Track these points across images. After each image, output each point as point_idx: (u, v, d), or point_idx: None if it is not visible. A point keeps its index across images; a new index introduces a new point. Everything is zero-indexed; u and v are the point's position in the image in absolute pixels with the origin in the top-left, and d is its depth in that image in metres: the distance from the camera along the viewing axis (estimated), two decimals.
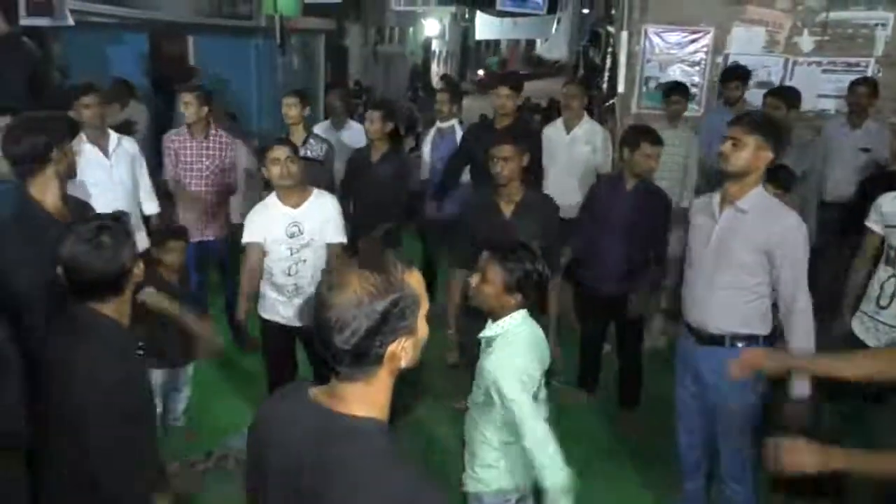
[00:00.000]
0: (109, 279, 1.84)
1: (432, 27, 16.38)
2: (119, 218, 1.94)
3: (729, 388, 2.65)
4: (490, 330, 2.34)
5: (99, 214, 1.90)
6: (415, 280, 1.27)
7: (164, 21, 7.24)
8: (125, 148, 3.95)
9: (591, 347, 4.12)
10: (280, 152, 3.16)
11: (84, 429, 1.75)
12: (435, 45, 17.48)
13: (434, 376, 4.25)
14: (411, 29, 15.98)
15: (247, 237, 3.32)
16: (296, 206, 3.26)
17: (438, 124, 5.21)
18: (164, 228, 3.50)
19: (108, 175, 3.81)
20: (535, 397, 2.26)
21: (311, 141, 4.53)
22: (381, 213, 4.32)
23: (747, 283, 2.63)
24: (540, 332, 2.40)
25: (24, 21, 4.79)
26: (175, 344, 3.37)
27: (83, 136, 3.79)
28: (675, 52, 6.03)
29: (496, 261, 2.29)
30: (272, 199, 3.30)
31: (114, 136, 3.92)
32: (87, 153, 3.72)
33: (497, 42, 18.99)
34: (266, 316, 3.44)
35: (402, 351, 1.24)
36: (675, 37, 6.01)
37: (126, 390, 1.81)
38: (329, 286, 1.22)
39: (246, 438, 1.42)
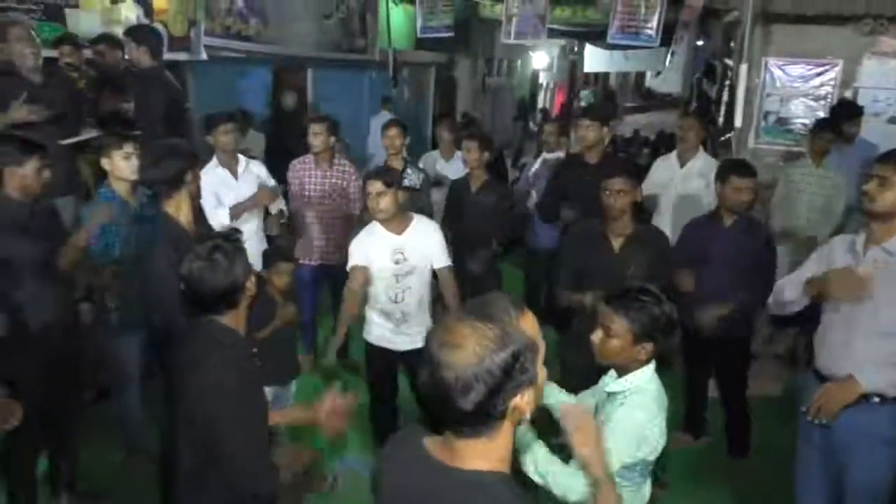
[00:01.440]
0: (224, 293, 1.97)
1: (540, 60, 16.43)
2: (232, 236, 2.07)
3: (867, 450, 2.43)
4: (617, 384, 2.10)
5: (214, 234, 2.08)
6: (529, 323, 1.21)
7: (287, 55, 7.68)
8: (252, 171, 4.22)
9: (697, 391, 3.94)
10: (373, 187, 3.19)
11: (216, 431, 1.88)
12: (542, 78, 17.53)
13: None
14: (519, 61, 16.11)
15: (353, 261, 3.38)
16: (399, 232, 3.31)
17: (545, 155, 5.22)
18: (274, 250, 3.65)
19: (236, 195, 4.07)
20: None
21: (409, 170, 4.64)
22: (480, 243, 4.34)
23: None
24: (662, 390, 2.13)
25: (166, 55, 5.21)
26: (283, 360, 3.49)
27: (216, 159, 4.08)
28: (798, 85, 5.76)
29: (617, 310, 2.04)
30: (376, 226, 3.35)
31: (243, 159, 4.20)
32: (219, 175, 4.00)
33: (606, 74, 18.82)
34: (372, 340, 3.50)
35: (525, 403, 1.19)
36: (798, 69, 5.74)
37: (249, 396, 1.94)
38: (442, 344, 1.16)
39: (350, 463, 1.44)
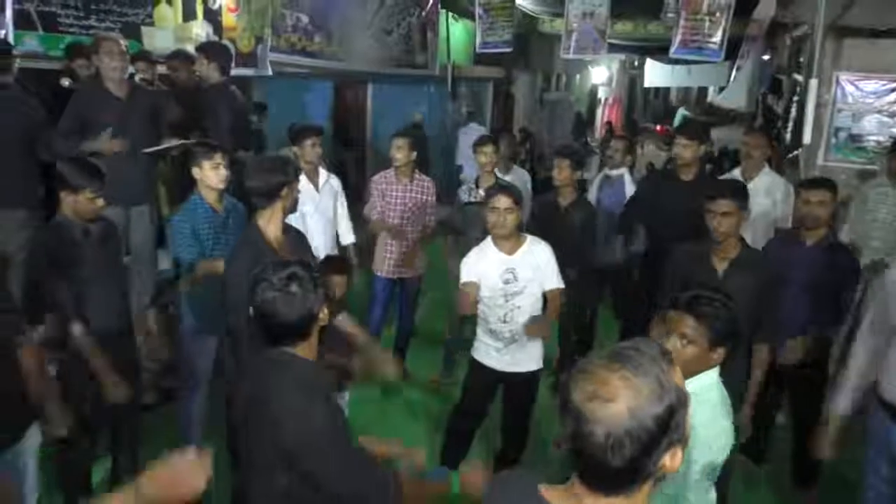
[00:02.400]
0: (297, 326, 1.89)
1: (599, 74, 16.31)
2: (309, 265, 2.00)
3: None
4: (689, 385, 2.09)
5: (289, 262, 1.97)
6: (678, 376, 1.12)
7: (349, 71, 7.84)
8: (331, 184, 4.33)
9: (764, 417, 3.79)
10: (501, 202, 3.16)
11: (306, 461, 1.81)
12: (601, 93, 17.38)
13: None
14: (578, 76, 16.02)
15: (465, 277, 3.33)
16: (510, 252, 3.26)
17: (607, 171, 5.16)
18: (327, 261, 3.66)
19: (316, 207, 4.19)
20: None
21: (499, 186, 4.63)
22: (570, 260, 4.28)
23: None
24: (726, 395, 2.10)
25: (233, 71, 5.39)
26: (341, 370, 3.53)
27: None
28: (870, 101, 5.55)
29: (694, 316, 2.00)
30: (488, 244, 3.32)
31: (323, 172, 4.29)
32: (302, 186, 4.11)
33: (667, 89, 18.52)
34: (478, 358, 3.45)
35: (675, 462, 1.10)
36: (872, 85, 5.53)
37: (323, 423, 1.84)
38: (591, 397, 1.08)
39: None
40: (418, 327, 5.23)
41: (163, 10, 5.70)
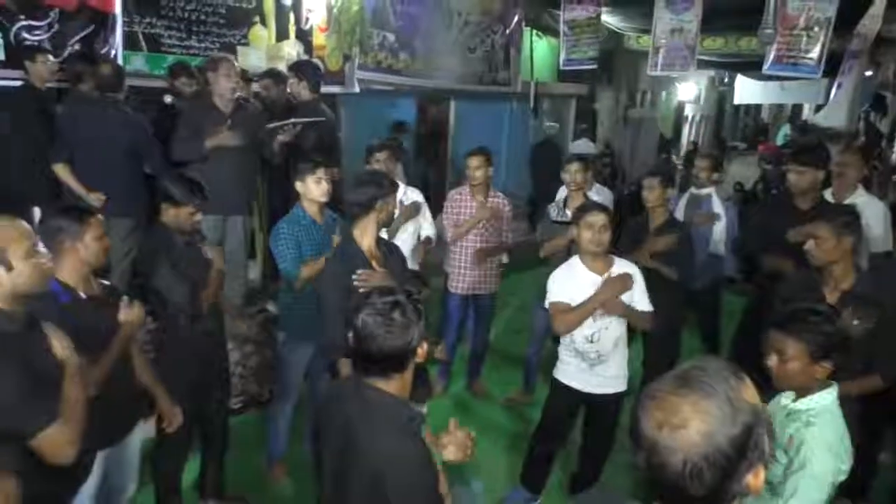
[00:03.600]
0: (394, 356, 1.79)
1: (686, 91, 15.88)
2: (413, 294, 1.91)
3: None
4: (801, 403, 2.06)
5: (393, 288, 1.90)
6: (750, 392, 1.08)
7: (432, 88, 7.95)
8: (409, 197, 4.36)
9: (867, 453, 3.55)
10: (597, 218, 3.14)
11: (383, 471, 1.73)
12: (688, 110, 16.92)
13: None
14: (664, 93, 15.66)
15: (552, 297, 3.29)
16: (600, 272, 3.21)
17: (693, 191, 4.99)
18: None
19: (395, 221, 4.22)
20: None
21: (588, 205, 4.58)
22: (660, 285, 4.17)
23: None
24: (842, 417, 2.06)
25: (322, 89, 5.55)
26: (415, 383, 3.55)
27: None
28: None
29: (789, 334, 2.04)
30: (577, 263, 3.29)
31: (402, 186, 4.34)
32: None
33: (758, 106, 17.84)
34: (562, 379, 3.40)
35: (758, 482, 1.06)
36: None
37: (419, 467, 1.76)
38: (661, 425, 1.04)
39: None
40: (494, 344, 5.21)
41: (257, 30, 5.95)
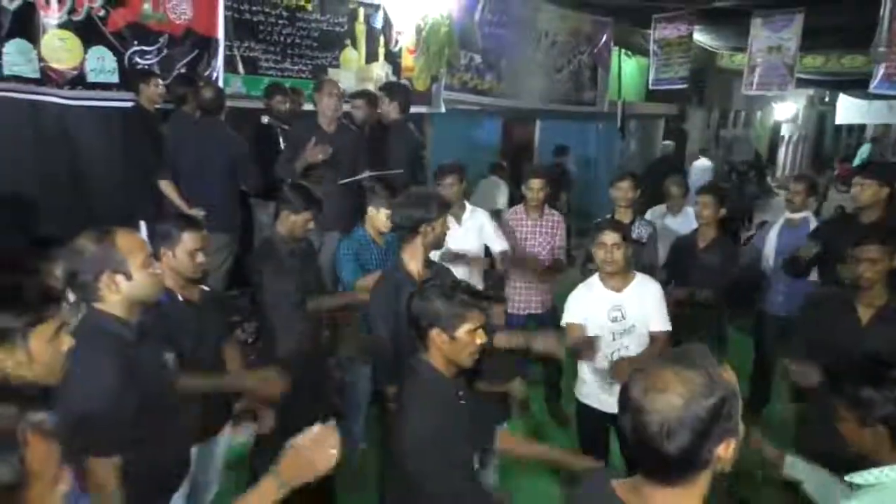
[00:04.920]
0: (418, 327, 2.09)
1: (783, 110, 15.24)
2: (463, 284, 2.18)
3: None
4: (865, 476, 1.82)
5: (458, 282, 2.15)
6: (729, 375, 1.21)
7: (518, 108, 7.97)
8: (477, 219, 4.35)
9: None
10: (608, 237, 3.13)
11: (414, 473, 1.94)
12: (784, 130, 16.22)
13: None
14: (759, 113, 15.09)
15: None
16: (618, 289, 3.20)
17: (788, 215, 4.77)
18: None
19: (455, 241, 4.23)
20: None
21: (637, 223, 4.49)
22: (705, 305, 4.06)
23: None
24: None
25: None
26: (495, 402, 3.52)
27: None
28: None
29: (846, 405, 1.86)
30: (595, 281, 3.28)
31: (469, 207, 4.36)
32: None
33: (862, 127, 16.90)
34: (583, 400, 3.38)
35: (728, 454, 1.17)
36: None
37: (446, 438, 1.95)
38: (646, 389, 1.17)
39: None
40: (570, 365, 5.08)
41: (348, 53, 6.15)
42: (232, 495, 3.13)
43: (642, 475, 1.23)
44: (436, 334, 2.06)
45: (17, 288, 1.58)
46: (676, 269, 4.40)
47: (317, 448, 1.62)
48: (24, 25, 4.29)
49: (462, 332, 2.05)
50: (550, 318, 4.71)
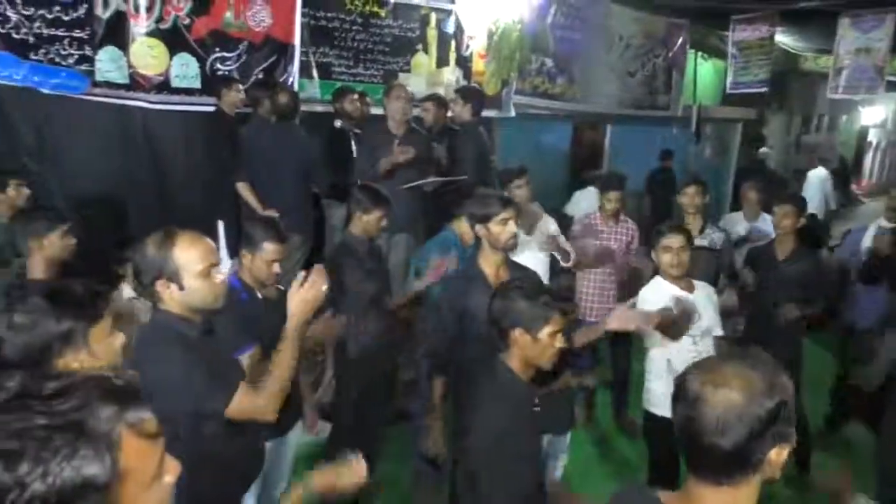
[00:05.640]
0: (498, 326, 2.11)
1: (871, 115, 14.51)
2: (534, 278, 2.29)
3: None
4: None
5: (541, 284, 2.25)
6: (789, 384, 1.19)
7: (589, 112, 7.86)
8: (543, 223, 4.33)
9: None
10: (675, 240, 3.14)
11: (478, 470, 1.97)
12: (872, 135, 15.42)
13: None
14: (844, 117, 14.41)
15: (644, 305, 3.19)
16: (689, 290, 3.18)
17: (880, 223, 4.55)
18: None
19: (524, 247, 4.21)
20: None
21: (708, 230, 4.36)
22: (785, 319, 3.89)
23: None
24: None
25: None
26: (560, 411, 3.47)
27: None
28: None
29: None
30: (659, 281, 3.24)
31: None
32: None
33: None
34: (654, 411, 3.25)
35: (780, 460, 1.16)
36: None
37: (513, 441, 1.99)
38: (706, 382, 1.16)
39: None
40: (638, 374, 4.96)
41: (419, 58, 6.21)
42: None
43: (692, 476, 1.22)
44: (518, 334, 2.08)
45: (68, 291, 1.62)
46: (753, 283, 4.23)
47: (347, 474, 1.80)
48: (116, 34, 4.52)
49: (544, 333, 2.07)
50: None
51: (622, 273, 4.60)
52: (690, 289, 3.17)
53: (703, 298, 3.16)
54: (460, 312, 2.72)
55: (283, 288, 2.80)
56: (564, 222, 4.89)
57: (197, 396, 1.90)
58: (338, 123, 5.29)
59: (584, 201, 6.61)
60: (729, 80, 7.68)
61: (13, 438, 0.81)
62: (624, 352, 4.66)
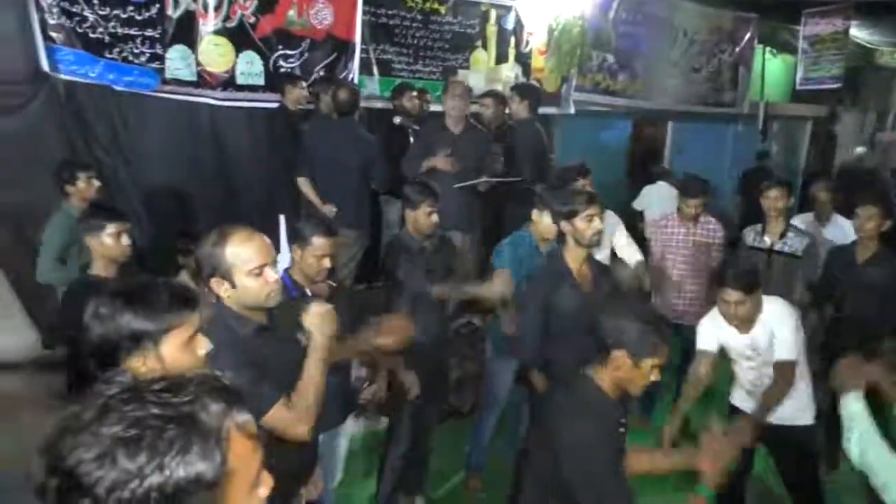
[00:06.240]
0: (602, 341, 2.02)
1: None
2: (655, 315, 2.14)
3: None
4: None
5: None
6: None
7: (650, 109, 7.70)
8: (608, 223, 4.24)
9: None
10: (731, 296, 2.87)
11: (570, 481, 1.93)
12: None
13: None
14: None
15: (701, 343, 3.13)
16: (747, 331, 3.01)
17: None
18: None
19: None
20: None
21: (790, 234, 4.19)
22: (867, 325, 3.72)
23: None
24: None
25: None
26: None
27: None
28: None
29: None
30: (719, 317, 3.06)
31: (609, 211, 4.26)
32: None
33: None
34: (736, 403, 3.23)
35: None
36: None
37: (605, 454, 1.95)
38: None
39: None
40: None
41: (478, 54, 6.20)
42: (357, 485, 3.29)
43: None
44: (621, 356, 1.99)
45: (149, 290, 1.54)
46: (829, 287, 4.06)
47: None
48: (185, 32, 4.67)
49: (647, 363, 1.99)
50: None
51: (703, 274, 4.38)
52: (751, 328, 2.98)
53: (761, 332, 2.97)
54: (546, 308, 2.74)
55: (334, 284, 2.85)
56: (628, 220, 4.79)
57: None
58: (397, 120, 5.33)
59: (655, 197, 6.48)
60: (799, 75, 7.41)
61: (133, 426, 0.81)
62: (688, 360, 4.53)
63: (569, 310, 2.80)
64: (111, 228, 2.75)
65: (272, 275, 1.93)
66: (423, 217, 3.19)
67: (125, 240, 2.80)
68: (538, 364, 2.87)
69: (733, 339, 3.04)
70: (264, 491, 0.98)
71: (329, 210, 4.62)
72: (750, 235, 4.31)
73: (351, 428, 3.06)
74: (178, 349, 1.52)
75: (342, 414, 2.91)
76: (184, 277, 3.44)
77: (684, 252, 4.36)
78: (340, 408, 2.88)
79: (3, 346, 4.20)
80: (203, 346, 1.58)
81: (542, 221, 3.37)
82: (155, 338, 1.49)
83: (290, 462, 2.13)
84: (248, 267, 1.88)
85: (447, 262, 3.38)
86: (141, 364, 1.47)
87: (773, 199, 4.14)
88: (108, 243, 2.75)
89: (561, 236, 2.89)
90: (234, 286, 1.90)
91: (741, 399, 3.19)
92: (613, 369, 2.00)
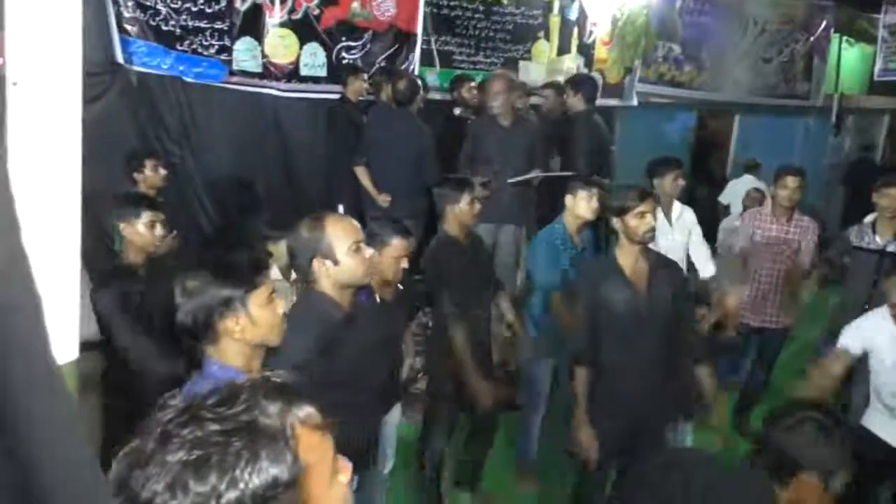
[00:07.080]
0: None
1: None
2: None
3: None
4: None
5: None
6: None
7: (716, 101, 7.48)
8: (685, 218, 4.13)
9: None
10: None
11: None
12: None
13: None
14: None
15: (844, 343, 2.88)
16: None
17: None
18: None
19: (667, 241, 4.04)
20: None
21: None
22: None
23: None
24: None
25: (599, 101, 5.53)
26: None
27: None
28: None
29: None
30: (885, 315, 2.82)
31: (677, 205, 4.15)
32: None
33: None
34: (871, 427, 2.93)
35: None
36: None
37: None
38: None
39: None
40: (774, 381, 4.67)
41: (540, 45, 6.13)
42: (401, 472, 3.33)
43: None
44: (807, 478, 1.69)
45: (230, 261, 1.73)
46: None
47: None
48: (252, 25, 4.78)
49: (838, 482, 1.72)
50: (781, 337, 4.34)
51: (790, 275, 4.21)
52: None
53: None
54: (594, 302, 2.72)
55: (401, 287, 2.86)
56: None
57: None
58: (457, 111, 5.33)
59: (742, 190, 6.31)
60: (878, 66, 7.08)
61: (196, 447, 0.81)
62: (767, 365, 4.38)
63: (614, 304, 2.75)
64: (146, 217, 2.75)
65: (368, 251, 2.12)
66: (465, 208, 3.15)
67: (159, 230, 2.79)
68: (587, 360, 2.83)
69: (888, 333, 2.77)
70: (344, 477, 0.99)
71: (384, 200, 4.66)
72: (855, 235, 4.06)
73: (397, 417, 3.08)
74: (261, 307, 1.68)
75: (392, 398, 2.94)
76: (273, 271, 3.53)
77: (775, 250, 4.14)
78: (388, 395, 2.91)
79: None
80: (280, 306, 1.73)
81: (576, 203, 3.35)
82: (243, 299, 1.65)
83: (349, 445, 2.18)
84: (346, 244, 2.05)
85: (482, 261, 3.33)
86: (234, 324, 1.64)
87: (891, 197, 3.86)
88: (142, 231, 2.75)
89: (615, 232, 2.83)
90: (336, 263, 2.04)
91: (881, 424, 2.87)
92: (796, 493, 1.71)
